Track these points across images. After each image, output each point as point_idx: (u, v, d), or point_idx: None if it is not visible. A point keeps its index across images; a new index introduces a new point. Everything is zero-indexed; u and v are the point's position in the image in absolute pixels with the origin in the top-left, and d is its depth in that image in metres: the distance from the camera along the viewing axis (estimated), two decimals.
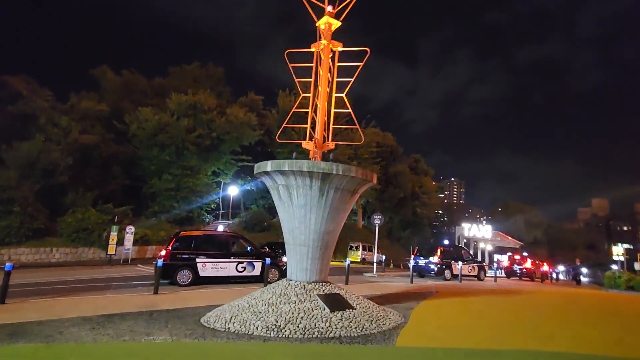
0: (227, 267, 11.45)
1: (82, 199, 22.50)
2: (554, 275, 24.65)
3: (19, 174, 20.06)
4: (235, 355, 4.32)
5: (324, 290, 6.40)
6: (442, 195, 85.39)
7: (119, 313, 6.67)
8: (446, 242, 23.30)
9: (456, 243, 25.45)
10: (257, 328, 5.33)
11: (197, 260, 11.08)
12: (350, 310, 5.93)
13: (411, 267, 14.06)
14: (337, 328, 5.33)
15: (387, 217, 39.99)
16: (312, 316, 5.56)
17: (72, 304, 7.62)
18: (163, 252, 11.11)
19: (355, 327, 5.44)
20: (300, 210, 6.51)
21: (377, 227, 17.70)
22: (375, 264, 17.47)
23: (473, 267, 18.01)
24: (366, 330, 5.43)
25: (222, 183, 35.39)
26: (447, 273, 16.64)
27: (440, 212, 63.93)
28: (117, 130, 28.83)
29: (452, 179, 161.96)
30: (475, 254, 28.81)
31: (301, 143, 7.46)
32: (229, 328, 5.48)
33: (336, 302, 6.04)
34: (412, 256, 18.11)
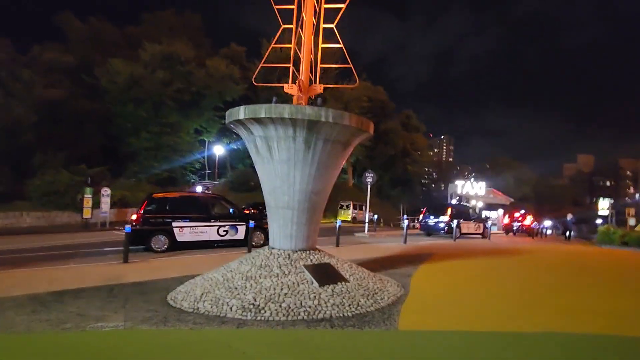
0: (208, 231, 10.50)
1: (52, 160, 20.90)
2: (543, 231, 24.68)
3: None
4: (198, 349, 3.40)
5: (311, 260, 5.48)
6: (432, 153, 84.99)
7: (74, 289, 5.71)
8: (454, 201, 22.76)
9: (449, 200, 25.06)
10: (231, 308, 4.42)
11: (174, 224, 10.06)
12: (343, 283, 5.05)
13: (405, 226, 13.37)
14: (327, 306, 4.45)
15: (377, 175, 39.34)
16: (298, 292, 4.66)
17: (26, 277, 6.63)
18: (134, 217, 10.05)
19: (349, 305, 4.57)
20: (283, 167, 5.40)
21: (369, 186, 16.83)
22: (367, 224, 16.80)
23: (479, 225, 17.92)
24: (362, 308, 4.57)
25: (207, 142, 33.75)
26: (456, 232, 16.52)
27: (430, 169, 63.60)
28: (87, 85, 26.44)
29: (442, 136, 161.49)
30: None
31: (283, 87, 6.17)
32: (198, 308, 4.56)
33: (326, 274, 5.14)
34: (421, 215, 18.15)
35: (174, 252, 9.84)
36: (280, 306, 4.38)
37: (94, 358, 3.31)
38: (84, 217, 17.67)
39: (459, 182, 25.59)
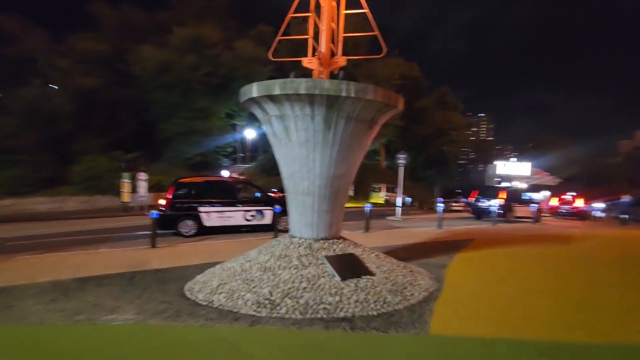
0: (234, 216, 10.35)
1: (90, 147, 21.76)
2: (596, 214, 22.64)
3: (22, 121, 19.22)
4: (204, 349, 3.09)
5: (334, 250, 5.03)
6: (470, 132, 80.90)
7: (98, 276, 5.72)
8: (506, 184, 21.38)
9: (487, 181, 23.56)
10: (246, 303, 4.10)
11: (200, 209, 10.00)
12: (368, 277, 4.57)
13: (440, 210, 12.55)
14: (349, 303, 4.01)
15: (411, 157, 37.97)
16: (318, 287, 4.25)
17: (56, 262, 6.76)
18: (163, 201, 10.08)
19: (374, 302, 4.10)
20: (301, 150, 4.92)
21: (401, 167, 16.01)
22: (399, 208, 16.09)
23: (530, 209, 16.88)
24: (388, 306, 4.08)
25: (238, 126, 33.91)
26: (509, 215, 16.06)
27: (467, 149, 60.66)
28: (121, 72, 27.11)
29: (481, 114, 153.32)
30: None
31: (301, 61, 5.62)
32: (212, 301, 4.29)
33: (350, 267, 4.68)
34: (472, 198, 17.45)
35: (202, 237, 9.81)
36: (298, 302, 3.99)
37: (97, 354, 3.11)
38: (122, 201, 18.34)
39: (499, 163, 23.91)
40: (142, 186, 18.61)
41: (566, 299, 4.78)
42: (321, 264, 4.68)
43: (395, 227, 12.68)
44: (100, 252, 7.83)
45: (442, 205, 12.63)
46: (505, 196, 16.62)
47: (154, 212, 8.52)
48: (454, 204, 26.55)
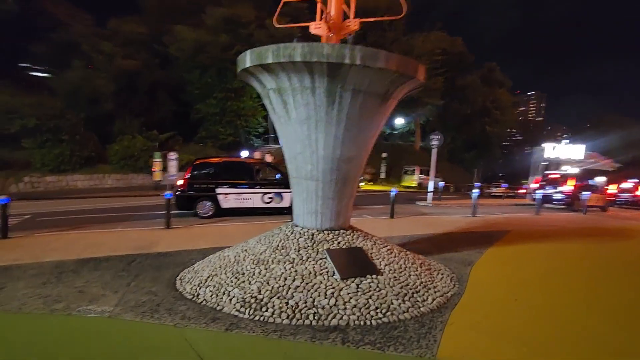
0: (252, 198, 10.04)
1: (129, 126, 22.50)
2: None
3: (66, 102, 20.12)
4: (163, 356, 2.69)
5: (339, 243, 4.45)
6: (518, 112, 75.11)
7: (100, 258, 5.62)
8: (573, 170, 19.40)
9: (533, 165, 21.52)
10: (230, 300, 3.67)
11: (218, 190, 9.78)
12: (374, 276, 3.95)
13: (475, 196, 11.46)
14: (345, 308, 3.44)
15: (450, 137, 35.86)
16: (313, 286, 3.71)
17: (71, 241, 6.81)
18: (180, 182, 9.97)
19: (376, 308, 3.50)
20: (302, 128, 4.31)
21: (434, 149, 14.85)
22: (430, 192, 15.04)
23: (598, 197, 15.23)
24: (393, 314, 3.46)
25: None
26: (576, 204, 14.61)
27: (514, 130, 56.45)
28: (160, 54, 27.57)
29: (531, 92, 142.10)
30: None
31: (309, 26, 4.92)
32: (198, 295, 3.91)
33: (354, 263, 4.09)
34: (536, 184, 16.22)
35: (219, 219, 9.63)
36: (287, 303, 3.49)
37: (54, 349, 2.82)
38: (154, 179, 18.84)
39: (548, 144, 21.68)
40: (173, 165, 18.95)
41: (616, 316, 3.88)
42: (321, 258, 4.12)
43: (424, 214, 11.80)
44: (116, 232, 7.83)
45: (477, 190, 11.48)
46: (574, 183, 15.13)
47: (168, 192, 8.39)
48: (493, 190, 24.75)
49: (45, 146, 18.26)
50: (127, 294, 4.06)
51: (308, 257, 4.13)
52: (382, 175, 28.57)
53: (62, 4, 26.85)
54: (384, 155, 28.47)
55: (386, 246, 4.81)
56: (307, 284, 3.74)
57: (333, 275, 3.86)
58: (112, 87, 22.52)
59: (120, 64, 23.81)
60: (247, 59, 4.09)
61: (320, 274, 3.87)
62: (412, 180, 25.69)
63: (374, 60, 3.73)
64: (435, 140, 14.56)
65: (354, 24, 4.74)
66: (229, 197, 9.85)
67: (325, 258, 4.12)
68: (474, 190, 11.56)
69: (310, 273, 3.89)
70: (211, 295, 3.83)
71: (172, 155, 19.03)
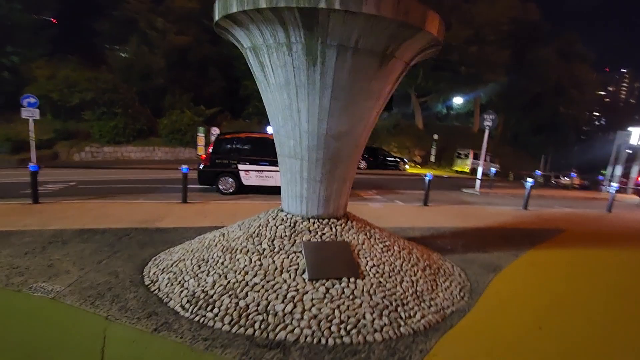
0: (274, 177, 9.58)
1: (179, 101, 23.25)
2: None
3: (121, 77, 21.23)
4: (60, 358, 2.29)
5: (323, 235, 3.75)
6: (604, 92, 65.55)
7: (99, 229, 5.57)
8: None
9: (616, 153, 18.40)
10: (181, 293, 3.20)
11: (240, 166, 9.46)
12: (351, 280, 3.22)
13: (529, 186, 9.85)
14: (302, 319, 2.78)
15: (514, 119, 32.27)
16: (272, 286, 3.09)
17: (86, 210, 6.97)
18: (203, 156, 9.81)
19: (341, 323, 2.78)
20: (282, 96, 3.59)
21: (487, 130, 13.11)
22: (479, 179, 13.41)
23: None
24: (361, 333, 2.72)
25: None
26: None
27: (595, 113, 49.42)
28: (210, 30, 27.91)
29: (623, 70, 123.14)
30: None
31: None
32: (156, 282, 3.51)
33: (330, 262, 3.38)
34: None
35: (239, 196, 9.37)
36: (237, 304, 2.92)
37: None
38: (198, 153, 19.37)
39: (635, 129, 18.31)
40: None
41: None
42: (295, 252, 3.47)
43: (467, 203, 10.49)
44: (133, 203, 7.88)
45: (531, 180, 9.83)
46: None
47: (184, 167, 8.22)
48: (559, 179, 21.83)
49: (102, 118, 19.51)
50: (90, 272, 3.80)
51: (281, 249, 3.51)
52: (432, 159, 26.67)
53: None
54: (435, 136, 26.45)
55: (384, 242, 4.00)
56: (267, 282, 3.13)
57: (300, 275, 3.20)
58: (163, 62, 23.27)
59: (172, 40, 24.49)
60: (216, 11, 3.43)
61: (287, 272, 3.24)
62: (464, 165, 23.58)
63: (359, 3, 2.84)
64: (488, 121, 12.82)
65: None
66: (250, 174, 9.50)
67: (301, 252, 3.46)
68: (528, 180, 9.94)
69: (276, 269, 3.27)
70: (167, 284, 3.39)
71: (215, 130, 19.35)
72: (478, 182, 13.31)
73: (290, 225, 3.85)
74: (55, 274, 3.75)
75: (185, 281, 3.35)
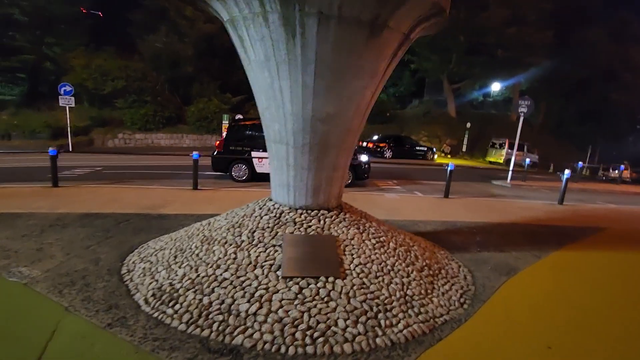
0: None
1: (207, 89, 23.52)
2: None
3: (151, 66, 21.73)
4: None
5: (308, 228, 3.42)
6: None
7: (102, 214, 5.63)
8: None
9: None
10: (149, 285, 3.02)
11: (253, 154, 9.29)
12: (329, 280, 2.87)
13: (565, 178, 8.90)
14: (264, 323, 2.48)
15: (558, 106, 29.89)
16: (242, 282, 2.82)
17: (100, 194, 7.15)
18: (217, 143, 9.73)
19: (308, 329, 2.46)
20: (263, 74, 3.26)
21: (521, 117, 12.04)
22: (510, 171, 12.40)
23: None
24: (328, 342, 2.38)
25: None
26: None
27: None
28: None
29: None
30: None
31: None
32: (131, 271, 3.36)
33: (310, 258, 3.05)
34: None
35: (253, 184, 9.23)
36: (200, 301, 2.69)
37: None
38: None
39: None
40: None
41: None
42: (274, 245, 3.18)
43: (495, 196, 9.72)
44: (145, 188, 7.96)
45: (567, 172, 8.86)
46: None
47: (195, 153, 8.15)
48: (607, 172, 19.98)
49: (133, 106, 20.12)
50: (73, 258, 3.73)
51: (260, 242, 3.23)
52: (464, 148, 25.34)
53: None
54: (468, 125, 25.05)
55: (379, 237, 3.61)
56: (237, 277, 2.86)
57: (274, 272, 2.90)
58: (192, 50, 23.54)
59: (200, 27, 24.68)
60: None
61: (261, 267, 2.95)
62: (499, 156, 22.16)
63: None
64: (523, 107, 11.76)
65: None
66: (263, 162, 9.31)
67: (277, 247, 3.16)
68: (565, 173, 8.99)
69: (249, 263, 2.99)
70: (140, 274, 3.23)
71: (238, 117, 19.38)
72: (510, 174, 12.33)
73: (275, 216, 3.56)
74: (39, 258, 3.71)
75: (158, 272, 3.16)
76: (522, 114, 11.77)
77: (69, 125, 16.00)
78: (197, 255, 3.24)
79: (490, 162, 22.58)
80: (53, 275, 3.30)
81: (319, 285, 2.80)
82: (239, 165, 9.42)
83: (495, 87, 26.97)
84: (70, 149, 15.28)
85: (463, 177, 13.55)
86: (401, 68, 30.75)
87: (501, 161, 21.67)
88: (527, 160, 14.23)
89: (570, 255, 4.74)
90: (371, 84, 3.37)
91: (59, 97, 15.37)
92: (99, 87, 19.77)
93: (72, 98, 15.76)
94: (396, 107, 30.28)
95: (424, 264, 3.53)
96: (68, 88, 15.62)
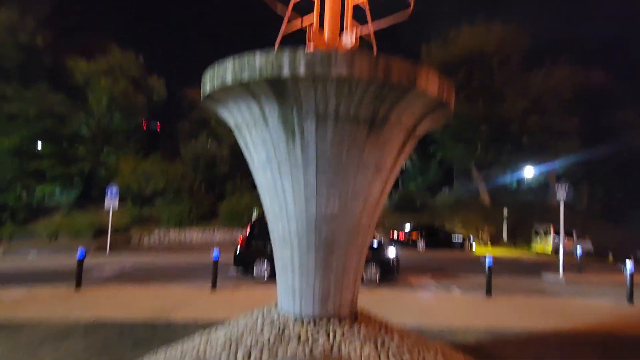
0: None
1: (239, 186, 24.75)
2: None
3: (190, 167, 23.56)
4: None
5: (314, 344, 2.91)
6: None
7: (106, 322, 5.39)
8: None
9: None
10: None
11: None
12: None
13: (629, 271, 7.68)
14: None
15: (601, 190, 28.23)
16: None
17: (119, 296, 7.06)
18: (239, 240, 9.64)
19: None
20: (266, 174, 3.20)
21: (562, 203, 11.22)
22: (561, 262, 11.06)
23: None
24: None
25: None
26: None
27: None
28: None
29: None
30: None
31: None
32: None
33: None
34: None
35: (273, 282, 8.76)
36: None
37: None
38: None
39: None
40: None
41: None
42: None
43: (547, 293, 8.50)
44: (163, 289, 7.86)
45: (631, 265, 7.69)
46: None
47: (216, 251, 8.03)
48: None
49: (170, 204, 21.26)
50: None
51: None
52: (504, 237, 23.72)
53: (198, 89, 32.99)
54: (505, 212, 23.86)
55: (402, 356, 2.99)
56: None
57: None
58: (227, 150, 25.59)
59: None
60: (202, 92, 3.34)
61: None
62: (546, 244, 20.35)
63: (328, 66, 2.47)
64: (561, 192, 11.06)
65: (351, 38, 3.58)
66: None
67: None
68: (628, 264, 7.82)
69: None
70: None
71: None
72: (561, 267, 10.97)
73: (278, 329, 3.11)
74: None
75: None
76: (561, 200, 10.99)
77: (110, 225, 16.87)
78: None
79: (537, 253, 20.65)
80: None
81: None
82: (261, 263, 9.11)
83: (529, 173, 26.32)
84: (108, 249, 15.78)
85: (507, 270, 12.24)
86: (428, 158, 31.30)
87: (549, 251, 19.79)
88: (579, 248, 12.80)
89: None
90: (379, 178, 3.19)
91: (105, 200, 16.60)
92: (142, 189, 21.34)
93: (117, 200, 16.92)
94: (426, 196, 29.87)
95: None
96: (114, 190, 16.93)
